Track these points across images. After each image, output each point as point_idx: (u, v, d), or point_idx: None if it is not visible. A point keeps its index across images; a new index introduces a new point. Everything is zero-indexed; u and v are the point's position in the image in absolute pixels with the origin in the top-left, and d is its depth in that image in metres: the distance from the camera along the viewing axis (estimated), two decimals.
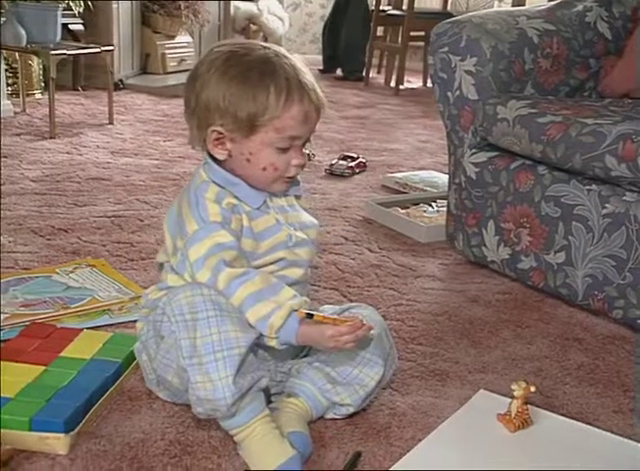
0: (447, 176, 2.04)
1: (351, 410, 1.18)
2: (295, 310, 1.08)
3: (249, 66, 1.09)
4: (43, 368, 1.21)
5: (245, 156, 1.13)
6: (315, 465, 1.08)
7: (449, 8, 5.50)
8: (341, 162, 2.82)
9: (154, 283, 1.66)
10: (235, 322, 1.05)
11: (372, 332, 1.15)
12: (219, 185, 1.14)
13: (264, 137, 1.11)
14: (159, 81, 4.45)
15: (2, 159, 2.66)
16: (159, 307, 1.11)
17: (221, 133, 1.11)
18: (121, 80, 4.23)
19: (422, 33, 4.94)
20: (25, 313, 1.47)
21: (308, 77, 1.13)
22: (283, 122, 1.10)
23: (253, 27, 5.47)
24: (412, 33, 4.89)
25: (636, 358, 1.47)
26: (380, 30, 5.50)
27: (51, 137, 3.05)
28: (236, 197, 1.14)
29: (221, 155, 1.14)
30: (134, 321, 1.47)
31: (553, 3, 2.07)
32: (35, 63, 3.75)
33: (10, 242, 1.86)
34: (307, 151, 2.95)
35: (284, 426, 1.09)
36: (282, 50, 1.14)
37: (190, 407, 1.17)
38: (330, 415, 1.18)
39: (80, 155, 2.83)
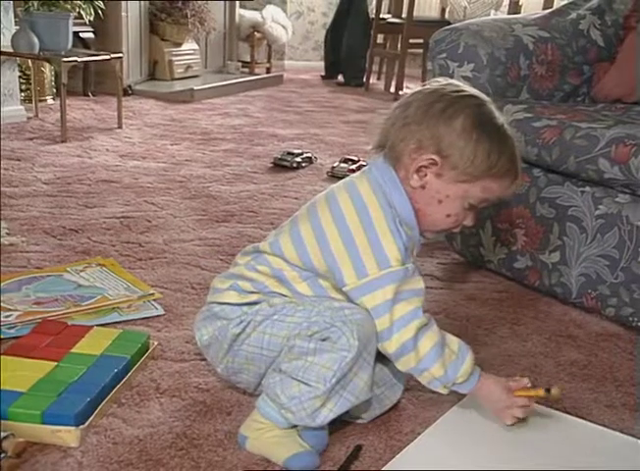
0: None
1: (361, 422, 1.17)
2: (474, 361, 1.09)
3: (497, 125, 1.10)
4: (55, 364, 1.21)
5: (440, 197, 1.10)
6: None
7: (446, 16, 5.50)
8: (342, 165, 2.82)
9: (162, 282, 1.67)
10: (370, 374, 1.05)
11: None
12: (399, 220, 1.08)
13: (469, 189, 1.09)
14: (166, 87, 4.46)
15: (15, 162, 2.67)
16: (336, 315, 1.03)
17: (434, 164, 1.08)
18: (129, 86, 4.23)
19: (421, 41, 4.94)
20: (37, 311, 1.47)
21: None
22: (493, 186, 1.10)
23: (257, 35, 5.47)
24: (411, 41, 4.90)
25: (638, 359, 1.47)
26: (380, 38, 5.51)
27: (62, 141, 3.05)
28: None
29: (415, 182, 1.09)
30: (143, 318, 1.48)
31: (547, 11, 2.07)
32: (48, 69, 3.75)
33: (23, 242, 1.86)
34: (309, 155, 2.96)
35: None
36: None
37: (196, 402, 1.18)
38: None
39: (91, 158, 2.83)
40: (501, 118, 1.12)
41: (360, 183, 1.11)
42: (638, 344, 1.53)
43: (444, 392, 1.10)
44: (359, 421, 1.17)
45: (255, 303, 1.11)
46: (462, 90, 1.11)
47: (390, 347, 1.05)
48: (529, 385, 1.14)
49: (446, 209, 1.11)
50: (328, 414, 1.03)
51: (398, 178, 1.10)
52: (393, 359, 1.08)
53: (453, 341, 1.09)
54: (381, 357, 1.16)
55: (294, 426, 1.07)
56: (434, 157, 1.07)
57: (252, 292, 1.12)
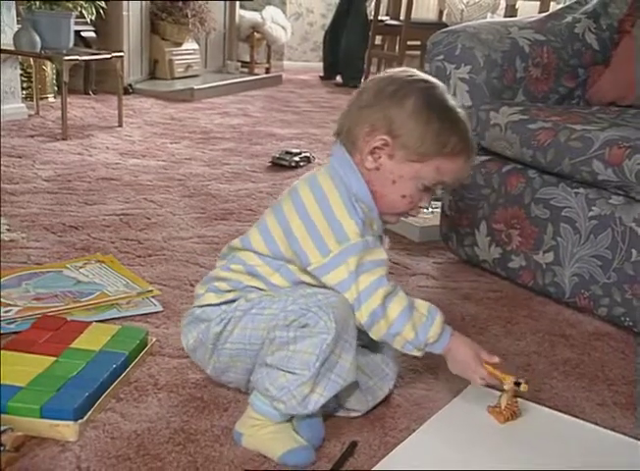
0: None
1: (355, 414, 1.17)
2: (444, 321, 1.09)
3: (448, 107, 1.11)
4: (54, 359, 1.21)
5: (393, 177, 1.10)
6: None
7: (444, 18, 5.51)
8: None
9: (161, 279, 1.67)
10: (354, 356, 1.06)
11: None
12: (355, 198, 1.09)
13: (422, 170, 1.10)
14: (166, 86, 4.45)
15: (16, 159, 2.66)
16: (310, 300, 1.03)
17: (386, 145, 1.09)
18: (130, 85, 4.23)
19: (418, 43, 4.95)
20: (36, 306, 1.46)
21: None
22: (446, 166, 1.10)
23: (257, 36, 5.47)
24: (409, 42, 4.90)
25: (637, 363, 1.47)
26: (378, 39, 5.52)
27: (63, 139, 3.05)
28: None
29: (370, 164, 1.10)
30: (142, 314, 1.48)
31: (543, 15, 2.06)
32: (49, 68, 3.75)
33: (23, 238, 1.86)
34: (307, 154, 2.95)
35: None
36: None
37: (193, 398, 1.18)
38: (334, 413, 1.17)
39: (91, 156, 2.82)
40: (452, 101, 1.13)
41: (319, 172, 1.13)
42: (636, 347, 1.53)
43: (418, 354, 1.10)
44: (354, 414, 1.17)
45: (233, 301, 1.13)
46: (414, 75, 1.13)
47: (361, 317, 1.06)
48: (497, 361, 1.13)
49: (400, 190, 1.11)
50: (318, 399, 1.03)
51: (353, 162, 1.11)
52: (366, 329, 1.08)
53: (423, 305, 1.09)
54: (369, 349, 1.18)
55: (289, 420, 1.07)
56: (385, 137, 1.08)
57: (229, 291, 1.14)
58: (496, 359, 1.13)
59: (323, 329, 1.01)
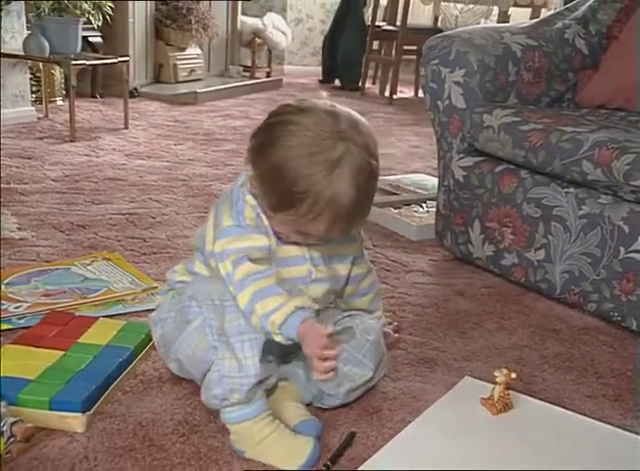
0: (436, 179, 2.04)
1: (337, 402, 1.15)
2: (300, 307, 1.00)
3: (314, 171, 0.97)
4: (62, 353, 1.21)
5: (267, 212, 1.06)
6: None
7: (439, 24, 5.49)
8: None
9: (165, 275, 1.67)
10: None
11: (371, 338, 1.16)
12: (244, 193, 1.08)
13: (281, 220, 1.04)
14: (171, 90, 4.45)
15: (26, 160, 2.66)
16: (186, 295, 1.07)
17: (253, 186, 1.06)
18: (136, 89, 4.22)
19: (414, 47, 4.93)
20: (45, 302, 1.46)
21: (363, 199, 1.00)
22: (305, 226, 1.03)
23: (258, 41, 5.46)
24: (405, 47, 4.89)
25: (637, 361, 1.47)
26: (375, 44, 5.50)
27: (71, 141, 3.04)
28: None
29: (253, 188, 1.06)
30: (147, 310, 1.48)
31: (535, 21, 2.07)
32: (57, 72, 3.74)
33: (33, 237, 1.86)
34: None
35: (291, 418, 1.08)
36: (372, 159, 1.00)
37: (197, 390, 1.18)
38: (317, 404, 1.16)
39: (98, 157, 2.82)
40: (339, 152, 0.97)
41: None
42: (638, 344, 1.53)
43: (279, 339, 1.01)
44: (333, 400, 1.14)
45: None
46: (303, 124, 0.99)
47: (233, 291, 1.04)
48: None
49: (273, 224, 1.06)
50: (253, 360, 1.00)
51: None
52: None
53: (299, 298, 1.02)
54: (343, 340, 1.15)
55: (271, 416, 1.04)
56: (252, 181, 1.05)
57: (168, 291, 1.20)
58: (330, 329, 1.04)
59: (196, 313, 1.05)
